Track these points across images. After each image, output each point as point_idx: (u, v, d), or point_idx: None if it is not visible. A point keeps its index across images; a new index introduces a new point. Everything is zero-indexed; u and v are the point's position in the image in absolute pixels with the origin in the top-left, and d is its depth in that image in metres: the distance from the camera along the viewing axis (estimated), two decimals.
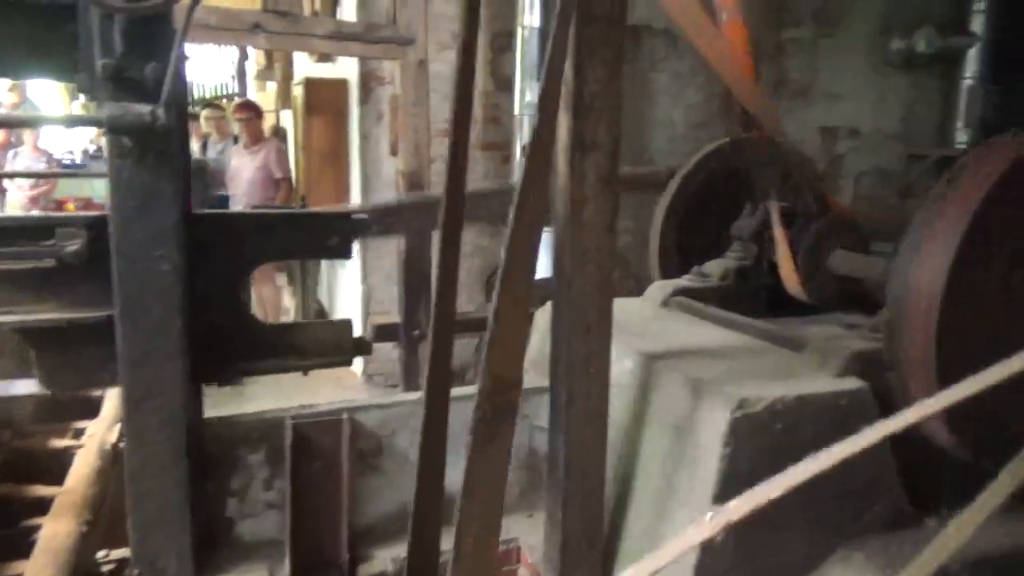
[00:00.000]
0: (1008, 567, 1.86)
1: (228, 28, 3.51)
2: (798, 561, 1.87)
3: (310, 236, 2.20)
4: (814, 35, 5.75)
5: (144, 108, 1.65)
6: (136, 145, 1.71)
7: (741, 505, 1.34)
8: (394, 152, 3.99)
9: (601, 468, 1.94)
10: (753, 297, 2.82)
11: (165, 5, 1.57)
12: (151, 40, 1.70)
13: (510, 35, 4.58)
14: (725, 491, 1.75)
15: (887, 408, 1.88)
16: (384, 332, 3.91)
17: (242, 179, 5.61)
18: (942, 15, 5.98)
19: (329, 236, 2.17)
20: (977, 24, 5.94)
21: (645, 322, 2.50)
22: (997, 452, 1.67)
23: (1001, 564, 1.85)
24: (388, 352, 4.37)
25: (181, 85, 1.92)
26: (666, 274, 2.95)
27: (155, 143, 1.72)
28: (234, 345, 2.10)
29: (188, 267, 1.82)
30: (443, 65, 4.36)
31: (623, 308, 2.69)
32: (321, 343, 2.18)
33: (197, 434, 2.01)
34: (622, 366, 2.14)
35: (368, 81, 4.48)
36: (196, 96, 16.83)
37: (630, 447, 2.07)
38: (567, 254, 1.87)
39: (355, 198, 4.78)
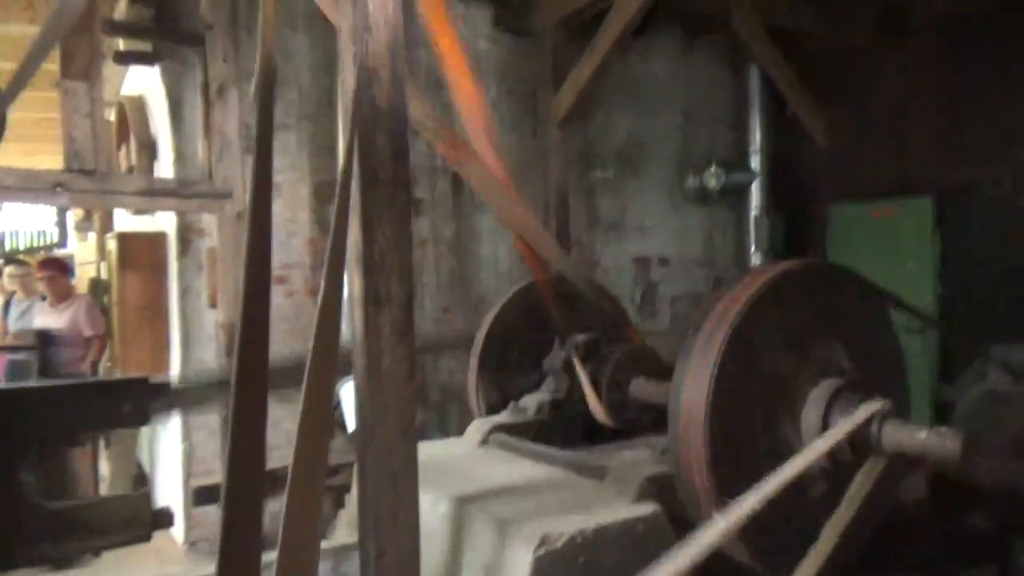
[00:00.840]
0: None
1: (28, 188, 3.40)
2: None
3: (102, 406, 2.10)
4: (619, 175, 6.36)
5: None
6: None
7: None
8: (213, 304, 3.92)
9: None
10: (569, 427, 2.95)
11: None
12: None
13: (332, 185, 4.73)
14: None
15: (684, 525, 2.01)
16: (206, 494, 3.68)
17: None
18: (726, 155, 6.83)
19: (122, 403, 2.08)
20: (755, 162, 6.83)
21: (464, 462, 2.55)
22: (789, 562, 1.82)
23: None
24: (213, 515, 4.09)
25: None
26: (487, 411, 3.03)
27: None
28: (10, 532, 1.91)
29: None
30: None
31: (445, 449, 2.75)
32: (114, 520, 2.04)
33: None
34: (437, 511, 2.16)
35: (187, 233, 4.44)
36: (10, 247, 15.71)
37: None
38: (368, 405, 1.91)
39: (175, 354, 4.60)
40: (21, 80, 1.80)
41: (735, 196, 6.84)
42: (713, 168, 6.65)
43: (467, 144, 2.78)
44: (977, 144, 5.66)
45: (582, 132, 6.10)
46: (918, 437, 1.79)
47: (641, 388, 2.79)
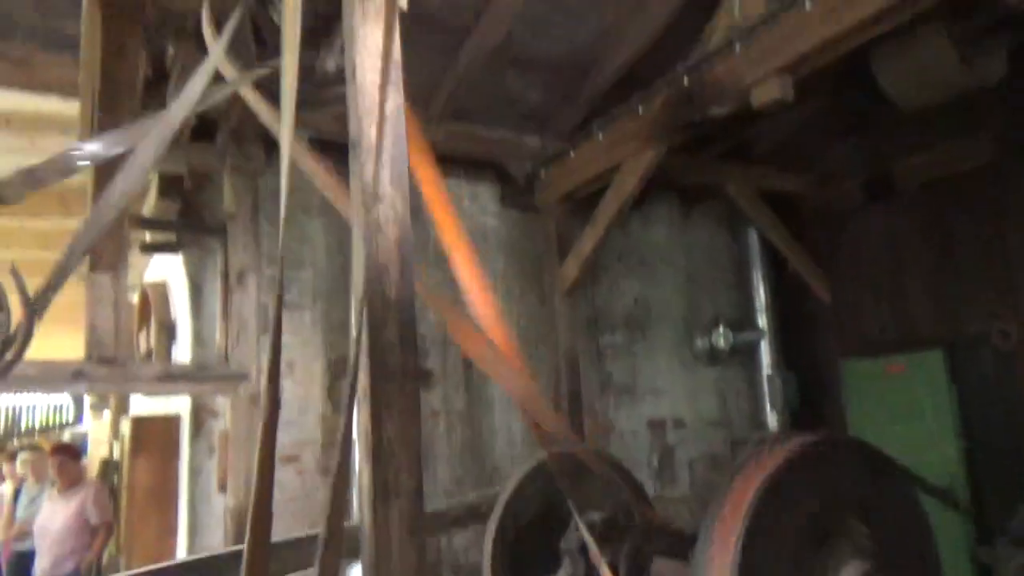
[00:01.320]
0: None
1: (49, 379, 3.48)
2: None
3: None
4: (628, 339, 6.43)
5: None
6: None
7: None
8: (223, 488, 3.88)
9: None
10: None
11: None
12: None
13: (345, 361, 4.82)
14: None
15: None
16: None
17: (53, 528, 5.14)
18: (732, 315, 6.93)
19: None
20: (762, 321, 6.91)
21: None
22: None
23: None
24: None
25: None
26: None
27: None
28: None
29: None
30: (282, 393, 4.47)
31: None
32: None
33: None
34: None
35: (200, 415, 4.47)
36: (26, 424, 15.66)
37: None
38: None
39: (181, 539, 4.48)
40: (52, 288, 1.90)
41: (746, 355, 6.85)
42: (721, 328, 6.72)
43: (470, 320, 2.86)
44: (980, 297, 5.75)
45: (589, 299, 6.26)
46: None
47: (662, 572, 2.67)
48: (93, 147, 3.07)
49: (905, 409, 5.93)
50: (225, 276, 4.42)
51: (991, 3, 4.02)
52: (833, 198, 6.84)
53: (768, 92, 4.04)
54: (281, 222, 2.07)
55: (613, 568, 2.60)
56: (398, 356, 2.08)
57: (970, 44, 4.08)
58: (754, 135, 6.19)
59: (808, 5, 3.77)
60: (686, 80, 4.50)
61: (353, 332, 2.01)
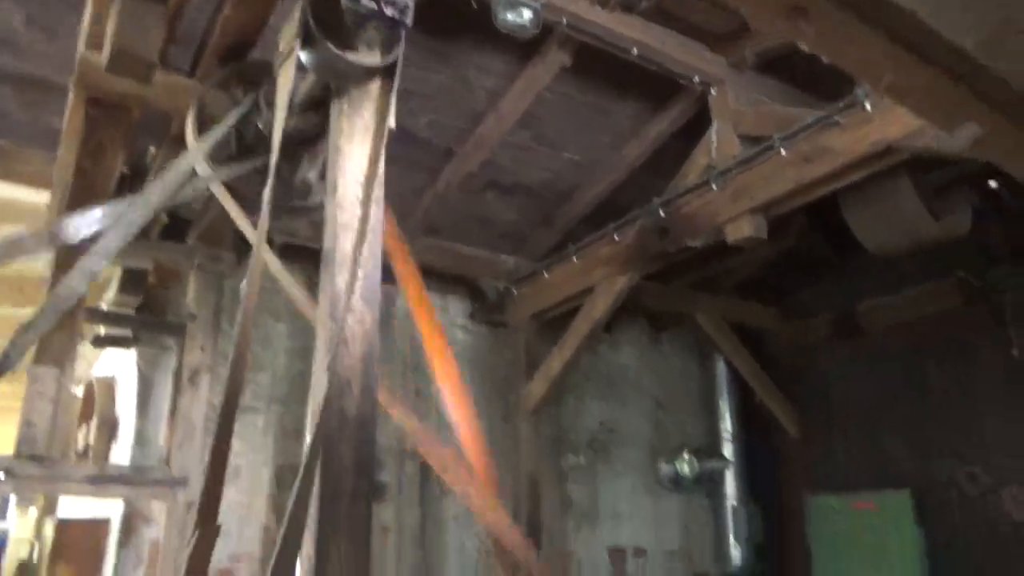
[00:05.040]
0: None
1: None
2: None
3: None
4: (592, 461, 6.27)
5: None
6: None
7: None
8: None
9: None
10: None
11: None
12: None
13: (295, 468, 4.58)
14: None
15: None
16: None
17: None
18: (699, 442, 6.83)
19: None
20: (729, 450, 6.81)
21: None
22: None
23: None
24: None
25: None
26: None
27: None
28: None
29: None
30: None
31: None
32: None
33: None
34: None
35: (132, 520, 4.17)
36: None
37: None
38: None
39: None
40: None
41: (711, 484, 6.71)
42: (687, 455, 6.61)
43: (435, 435, 2.76)
44: (948, 439, 5.75)
45: (554, 419, 6.14)
46: None
47: None
48: (62, 227, 3.00)
49: (872, 549, 5.79)
50: (178, 375, 4.25)
51: (954, 159, 4.24)
52: (800, 333, 6.92)
53: (742, 229, 4.16)
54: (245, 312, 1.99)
55: None
56: (351, 475, 1.96)
57: (936, 197, 4.26)
58: (724, 268, 6.32)
59: (783, 151, 3.94)
60: (662, 212, 4.62)
61: (307, 445, 1.90)
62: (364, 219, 2.14)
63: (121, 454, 4.55)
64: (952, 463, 5.64)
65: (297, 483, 1.80)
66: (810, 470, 6.67)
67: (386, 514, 5.05)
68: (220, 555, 4.41)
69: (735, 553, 6.46)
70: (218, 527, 1.95)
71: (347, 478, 1.95)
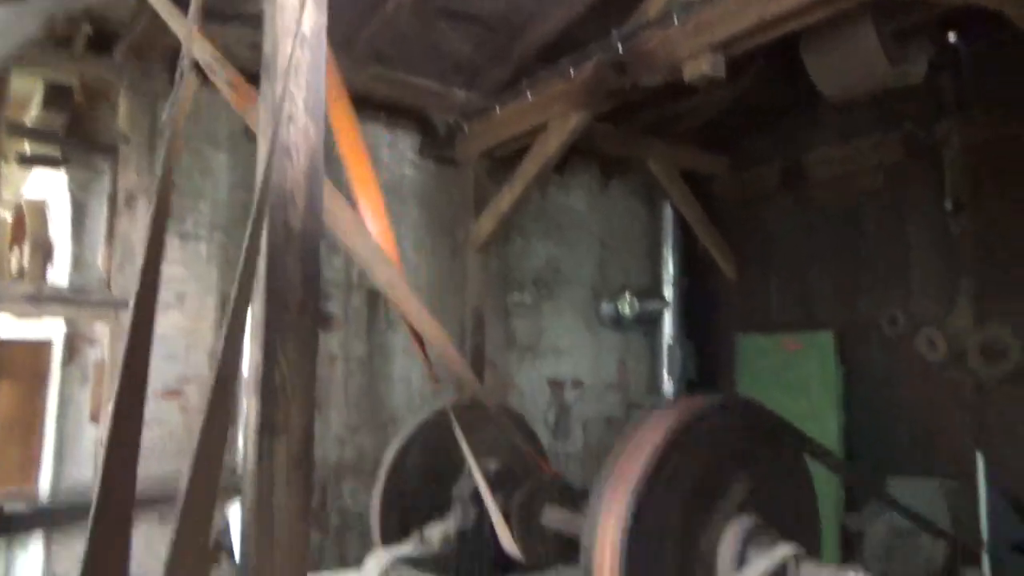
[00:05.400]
0: None
1: None
2: None
3: None
4: (536, 299, 6.44)
5: None
6: None
7: None
8: (95, 419, 3.63)
9: None
10: (477, 559, 2.80)
11: None
12: None
13: None
14: None
15: None
16: None
17: None
18: (640, 284, 7.05)
19: None
20: (669, 292, 7.06)
21: None
22: None
23: None
24: None
25: None
26: (390, 539, 2.85)
27: None
28: None
29: None
30: (165, 327, 4.24)
31: None
32: None
33: None
34: None
35: (75, 342, 4.16)
36: None
37: None
38: (255, 542, 1.75)
39: (46, 470, 4.20)
40: None
41: (649, 323, 7.00)
42: (628, 296, 6.84)
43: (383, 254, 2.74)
44: (876, 286, 6.04)
45: (501, 257, 6.21)
46: None
47: (552, 519, 2.69)
48: None
49: (794, 384, 6.20)
50: (113, 199, 4.10)
51: (919, 4, 4.16)
52: (748, 182, 7.01)
53: (700, 67, 4.06)
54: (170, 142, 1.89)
55: (505, 515, 2.59)
56: (298, 289, 1.95)
57: (897, 43, 4.22)
58: (678, 112, 6.25)
59: None
60: (620, 48, 4.46)
61: (243, 255, 1.87)
62: (302, 21, 2.01)
63: (58, 277, 4.46)
64: (875, 307, 5.97)
65: (235, 290, 1.78)
66: (743, 312, 6.99)
67: (333, 343, 5.16)
68: (168, 378, 4.49)
69: (667, 387, 6.87)
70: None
71: (294, 292, 1.95)
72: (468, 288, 5.67)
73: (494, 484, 2.73)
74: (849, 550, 5.28)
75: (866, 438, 5.91)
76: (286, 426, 1.83)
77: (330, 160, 2.17)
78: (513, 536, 2.65)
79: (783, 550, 1.85)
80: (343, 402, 5.16)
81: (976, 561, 3.22)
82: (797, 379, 6.25)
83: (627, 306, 6.82)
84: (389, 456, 2.94)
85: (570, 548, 2.82)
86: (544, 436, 6.10)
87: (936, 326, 5.56)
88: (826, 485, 5.62)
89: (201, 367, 4.61)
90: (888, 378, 5.89)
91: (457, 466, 2.94)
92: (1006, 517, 4.82)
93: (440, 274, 5.78)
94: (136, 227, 3.81)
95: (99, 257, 4.10)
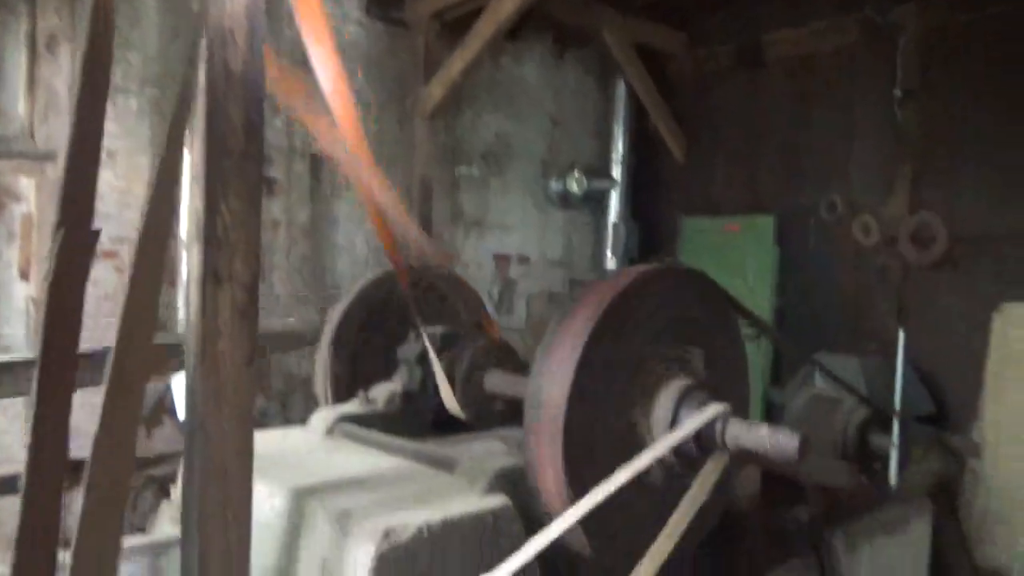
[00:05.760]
0: None
1: None
2: None
3: None
4: (485, 173, 6.36)
5: None
6: None
7: None
8: (25, 276, 3.51)
9: None
10: (420, 420, 2.87)
11: None
12: None
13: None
14: None
15: (532, 519, 1.98)
16: (10, 484, 3.28)
17: None
18: (589, 162, 7.01)
19: None
20: (617, 171, 7.05)
21: (304, 454, 2.40)
22: (629, 555, 1.84)
23: None
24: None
25: None
26: (334, 400, 2.90)
27: None
28: None
29: None
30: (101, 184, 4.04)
31: (284, 439, 2.59)
32: None
33: None
34: (272, 505, 2.01)
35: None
36: None
37: None
38: (199, 393, 1.74)
39: None
40: None
41: (596, 202, 7.03)
42: (576, 174, 6.80)
43: (330, 118, 2.62)
44: (819, 171, 6.14)
45: (450, 127, 6.05)
46: (760, 435, 1.87)
47: (497, 381, 2.76)
48: None
49: (733, 266, 6.38)
50: (32, 41, 3.78)
51: None
52: (703, 60, 6.89)
53: None
54: None
55: (450, 377, 2.64)
56: (241, 135, 1.86)
57: None
58: None
59: None
60: None
61: (177, 99, 1.76)
62: None
63: None
64: (817, 193, 6.09)
65: (167, 133, 1.69)
66: (689, 194, 7.06)
67: (275, 209, 5.03)
68: (102, 237, 4.32)
69: (611, 265, 6.99)
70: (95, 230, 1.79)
71: (236, 138, 1.85)
72: (416, 158, 5.55)
73: (440, 347, 2.77)
74: (771, 420, 5.62)
75: (798, 318, 6.19)
76: (230, 275, 1.79)
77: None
78: (457, 397, 2.72)
79: (713, 408, 1.94)
80: (286, 268, 5.10)
81: (887, 430, 3.46)
82: (736, 261, 6.42)
83: (575, 184, 6.80)
84: (334, 317, 2.94)
85: (513, 410, 2.90)
86: (488, 310, 6.20)
87: (872, 213, 5.73)
88: (754, 361, 5.93)
89: (135, 227, 4.45)
90: (822, 262, 6.10)
91: (402, 329, 2.96)
92: (916, 390, 5.19)
93: (386, 142, 5.61)
94: (59, 74, 3.55)
95: (20, 105, 3.82)
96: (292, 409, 4.98)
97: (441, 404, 2.79)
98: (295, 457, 2.33)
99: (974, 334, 4.95)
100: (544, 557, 1.93)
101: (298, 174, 5.15)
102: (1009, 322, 4.64)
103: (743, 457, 2.01)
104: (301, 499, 1.97)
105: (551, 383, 1.89)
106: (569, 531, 1.80)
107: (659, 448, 1.84)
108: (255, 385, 1.81)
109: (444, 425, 2.85)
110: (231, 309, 1.78)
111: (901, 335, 4.64)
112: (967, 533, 4.46)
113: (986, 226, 5.17)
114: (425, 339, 2.61)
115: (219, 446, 1.74)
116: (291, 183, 5.12)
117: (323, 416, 2.65)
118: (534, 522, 1.91)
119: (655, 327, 2.04)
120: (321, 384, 2.94)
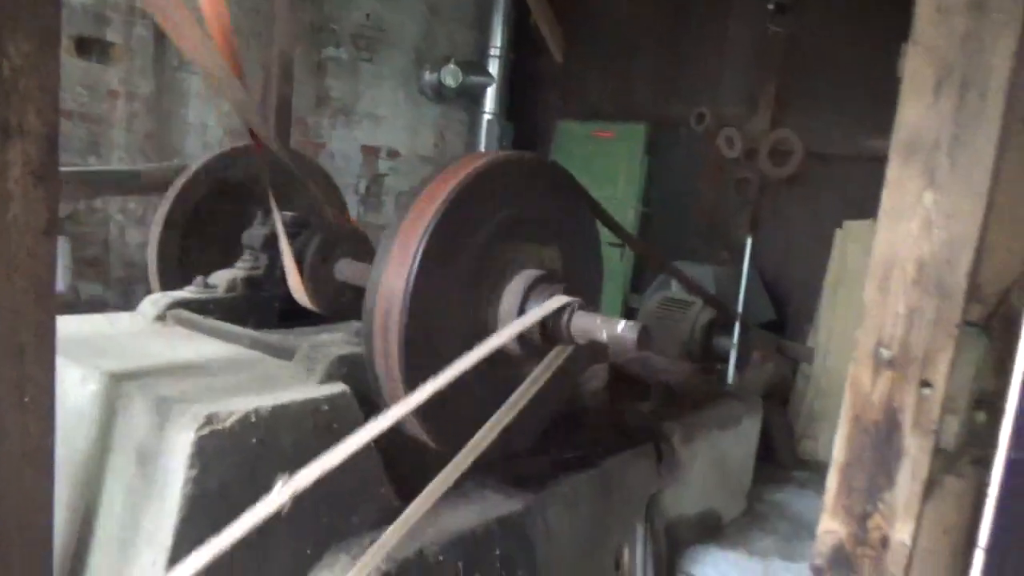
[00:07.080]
0: (476, 541, 2.05)
1: None
2: (285, 574, 1.80)
3: None
4: (354, 58, 5.98)
5: None
6: None
7: (310, 474, 1.36)
8: None
9: (48, 515, 1.63)
10: (264, 307, 2.72)
11: None
12: None
13: None
14: (192, 515, 1.59)
15: (372, 407, 1.93)
16: None
17: None
18: (465, 55, 6.74)
19: None
20: (494, 67, 6.83)
21: (130, 338, 2.22)
22: (462, 440, 1.83)
23: (471, 539, 2.03)
24: None
25: None
26: (167, 286, 2.69)
27: None
28: None
29: None
30: None
31: (109, 324, 2.38)
32: None
33: None
34: (87, 390, 1.85)
35: None
36: None
37: (95, 484, 1.79)
38: None
39: None
40: None
41: (470, 98, 6.82)
42: (452, 66, 6.54)
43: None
44: (692, 83, 6.19)
45: (316, 2, 5.59)
46: (602, 326, 1.87)
47: (347, 270, 2.64)
48: None
49: (602, 173, 6.43)
50: None
51: None
52: None
53: None
54: None
55: (298, 264, 2.50)
56: None
57: None
58: None
59: None
60: None
61: None
62: None
63: None
64: (688, 104, 6.17)
65: None
66: (564, 97, 6.98)
67: (112, 77, 4.51)
68: None
69: None
70: None
71: None
72: (275, 32, 5.09)
73: (289, 232, 2.60)
74: None
75: (661, 227, 6.37)
76: (21, 129, 1.55)
77: None
78: (305, 286, 2.58)
79: (559, 299, 1.92)
80: (125, 145, 4.63)
81: (730, 333, 3.65)
82: (606, 168, 6.48)
83: (451, 76, 6.55)
84: (172, 193, 2.69)
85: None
86: (353, 206, 5.96)
87: (737, 126, 5.88)
88: (617, 269, 6.10)
89: None
90: (689, 173, 6.26)
91: (246, 212, 2.76)
92: (760, 298, 5.51)
93: (242, 12, 5.11)
94: None
95: None
96: (133, 298, 4.64)
97: (289, 294, 2.65)
98: (118, 342, 2.14)
99: (817, 248, 5.27)
100: (390, 446, 1.90)
101: (140, 39, 4.62)
102: (849, 237, 4.96)
103: (589, 349, 2.03)
104: (119, 384, 1.82)
105: (392, 270, 1.81)
106: (407, 419, 1.76)
107: (503, 335, 1.81)
108: (55, 259, 1.62)
109: (292, 316, 2.72)
110: (23, 169, 1.55)
111: (748, 244, 4.87)
112: (793, 428, 4.87)
113: (838, 146, 5.44)
114: (276, 221, 2.43)
115: (14, 324, 1.55)
116: (132, 49, 4.60)
117: (154, 300, 2.45)
118: (378, 412, 1.87)
119: (507, 218, 1.98)
120: (154, 268, 2.71)
